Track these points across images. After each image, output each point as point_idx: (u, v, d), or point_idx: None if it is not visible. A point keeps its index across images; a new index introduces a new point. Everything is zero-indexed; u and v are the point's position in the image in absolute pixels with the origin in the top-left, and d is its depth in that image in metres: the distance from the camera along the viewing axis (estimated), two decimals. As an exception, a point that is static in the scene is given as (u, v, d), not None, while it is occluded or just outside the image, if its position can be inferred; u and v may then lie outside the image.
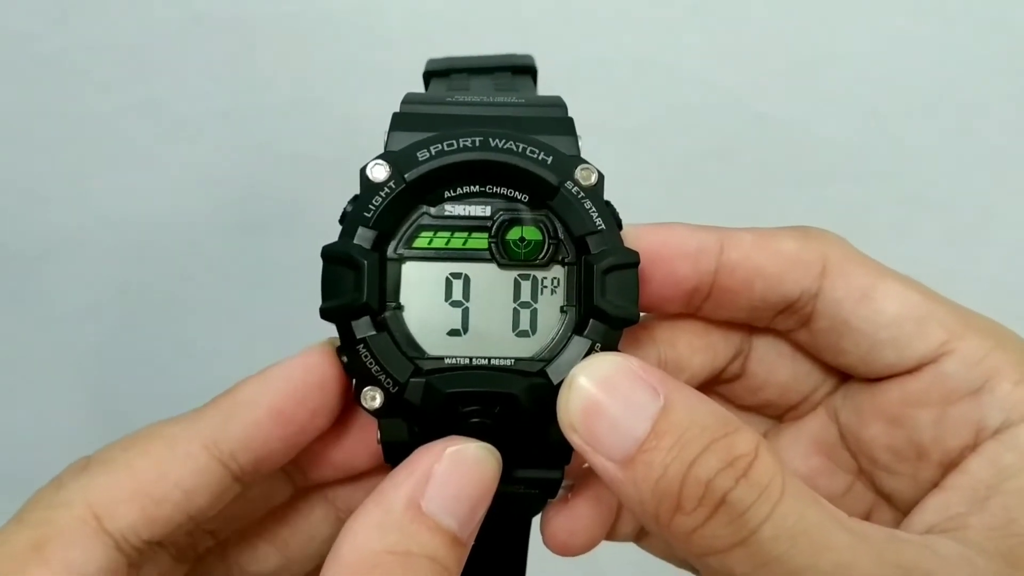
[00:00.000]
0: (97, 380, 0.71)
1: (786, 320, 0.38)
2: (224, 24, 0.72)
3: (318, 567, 0.38)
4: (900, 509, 0.37)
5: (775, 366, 0.40)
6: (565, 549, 0.38)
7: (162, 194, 0.75)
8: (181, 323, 0.75)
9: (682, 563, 0.42)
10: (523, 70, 0.43)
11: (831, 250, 0.36)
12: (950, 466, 0.36)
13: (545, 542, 0.38)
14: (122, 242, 0.75)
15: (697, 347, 0.39)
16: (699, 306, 0.38)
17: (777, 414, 0.41)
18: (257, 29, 0.72)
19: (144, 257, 0.76)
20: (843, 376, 0.39)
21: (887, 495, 0.38)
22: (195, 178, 0.74)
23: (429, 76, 0.43)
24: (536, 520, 0.39)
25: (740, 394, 0.41)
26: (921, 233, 0.72)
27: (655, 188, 0.71)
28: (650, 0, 0.71)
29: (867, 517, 0.39)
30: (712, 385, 0.41)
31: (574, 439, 0.30)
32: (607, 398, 0.30)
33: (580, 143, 0.34)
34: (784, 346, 0.40)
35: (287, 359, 0.33)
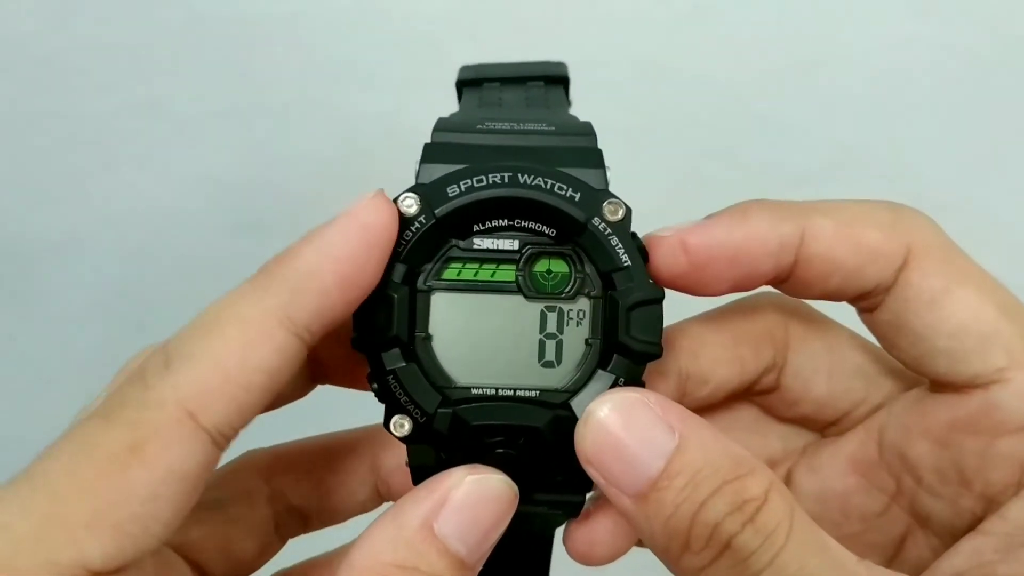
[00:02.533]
0: (97, 380, 0.71)
1: (857, 303, 0.37)
2: (224, 24, 0.72)
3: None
4: (936, 533, 0.37)
5: (811, 382, 0.39)
6: (585, 559, 0.38)
7: (162, 194, 0.75)
8: (181, 323, 0.75)
9: None
10: (556, 80, 0.43)
11: (918, 240, 0.35)
12: (991, 502, 0.35)
13: (567, 551, 0.38)
14: (122, 242, 0.76)
15: (722, 360, 0.38)
16: (775, 286, 0.37)
17: (817, 428, 0.41)
18: (257, 29, 0.72)
19: (144, 257, 0.76)
20: (885, 396, 0.39)
21: (925, 517, 0.37)
22: (195, 178, 0.74)
23: (461, 86, 0.43)
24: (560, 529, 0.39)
25: (776, 406, 0.40)
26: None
27: (655, 188, 0.71)
28: (650, 0, 0.71)
29: (903, 541, 0.38)
30: (748, 395, 0.41)
31: (590, 471, 0.31)
32: (623, 434, 0.30)
33: (608, 174, 0.34)
34: (821, 362, 0.39)
35: (340, 217, 0.32)
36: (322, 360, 0.38)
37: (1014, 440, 0.34)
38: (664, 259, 0.35)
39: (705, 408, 0.40)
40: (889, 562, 0.38)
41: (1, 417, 0.77)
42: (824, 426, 0.40)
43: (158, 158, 0.74)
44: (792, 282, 0.36)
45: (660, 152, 0.72)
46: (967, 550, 0.34)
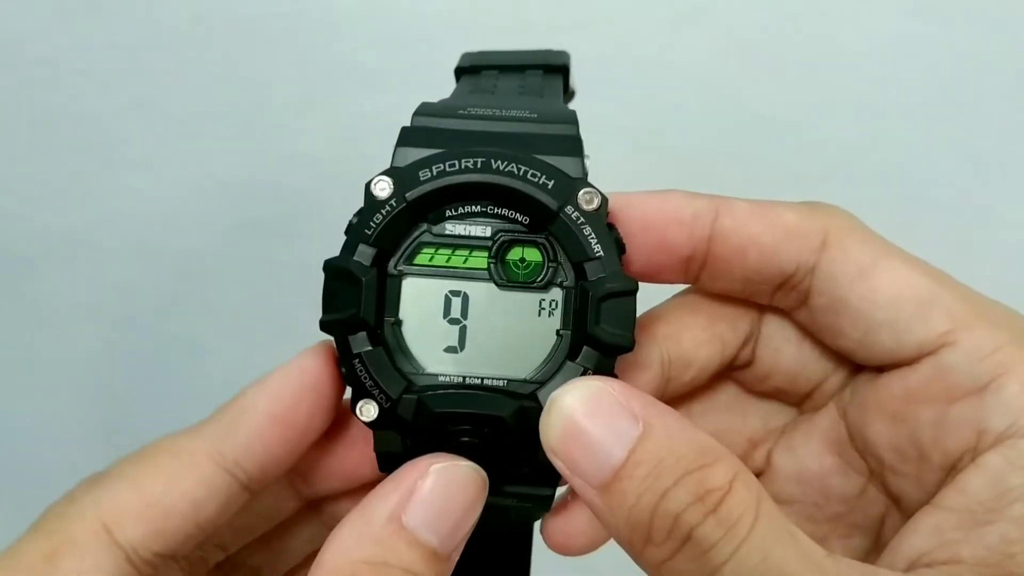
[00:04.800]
0: (98, 380, 0.71)
1: (786, 296, 0.37)
2: (224, 24, 0.72)
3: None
4: (908, 514, 0.36)
5: (781, 352, 0.39)
6: (563, 549, 0.38)
7: (162, 194, 0.75)
8: (181, 323, 0.75)
9: None
10: (555, 69, 0.42)
11: (835, 223, 0.35)
12: (951, 470, 0.34)
13: (544, 541, 0.38)
14: (122, 242, 0.76)
15: (702, 340, 0.38)
16: (697, 276, 0.37)
17: (794, 402, 0.40)
18: (257, 29, 0.72)
19: (144, 257, 0.76)
20: (853, 368, 0.38)
21: (896, 497, 0.36)
22: (195, 178, 0.74)
23: (460, 72, 0.43)
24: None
25: (751, 381, 0.40)
26: (921, 233, 0.72)
27: (655, 188, 0.71)
28: (650, 0, 0.71)
29: (882, 521, 0.38)
30: (727, 373, 0.40)
31: (555, 461, 0.30)
32: (586, 423, 0.29)
33: (587, 163, 0.34)
34: (790, 330, 0.38)
35: (285, 363, 0.34)
36: (315, 486, 0.38)
37: (968, 405, 0.33)
38: None
39: (690, 392, 0.40)
40: (875, 544, 0.38)
41: (1, 417, 0.77)
42: (799, 400, 0.40)
43: (158, 158, 0.74)
44: (711, 261, 0.36)
45: (660, 152, 0.72)
46: (927, 527, 0.33)
